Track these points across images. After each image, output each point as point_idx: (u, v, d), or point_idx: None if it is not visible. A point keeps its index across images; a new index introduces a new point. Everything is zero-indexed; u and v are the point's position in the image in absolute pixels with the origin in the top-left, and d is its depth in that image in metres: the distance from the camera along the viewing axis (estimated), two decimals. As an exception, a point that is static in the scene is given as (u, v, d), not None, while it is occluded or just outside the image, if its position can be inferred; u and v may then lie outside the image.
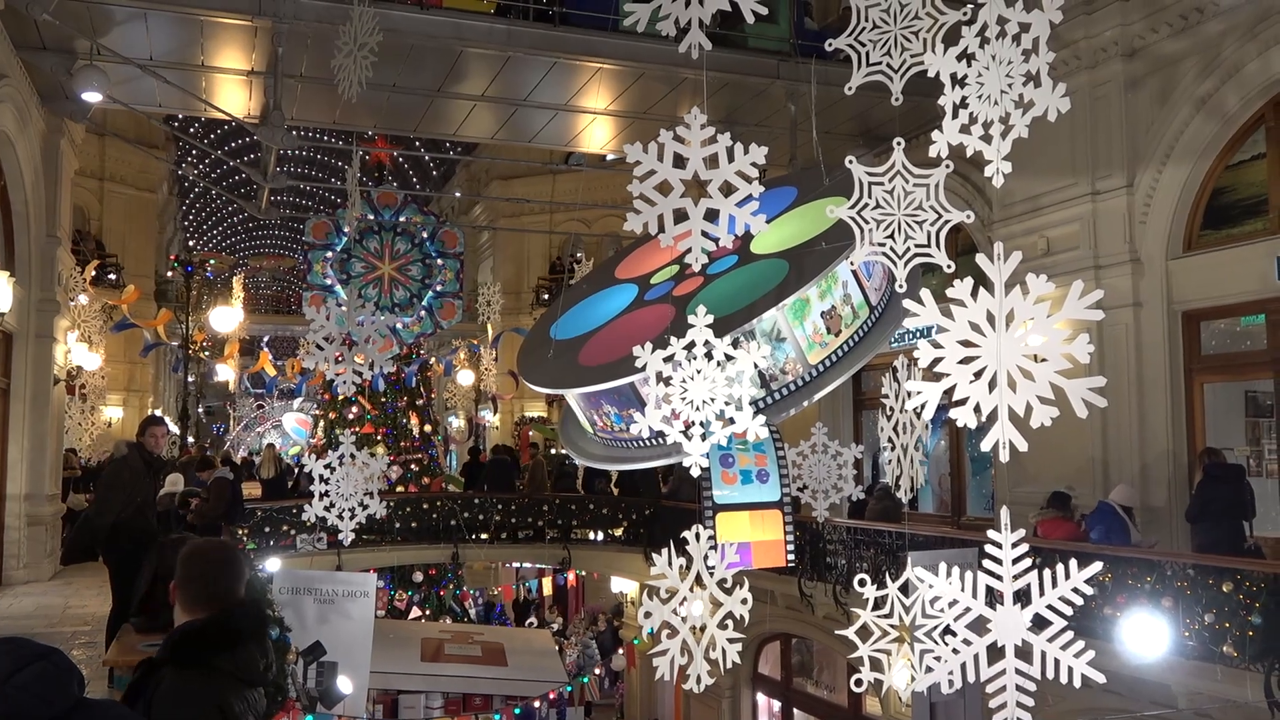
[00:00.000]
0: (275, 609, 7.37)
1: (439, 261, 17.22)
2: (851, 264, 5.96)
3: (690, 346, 4.34)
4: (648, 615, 4.52)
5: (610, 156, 18.51)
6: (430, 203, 31.55)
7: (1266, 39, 10.86)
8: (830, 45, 4.27)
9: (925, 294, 3.21)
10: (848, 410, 17.61)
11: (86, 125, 15.49)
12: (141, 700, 2.86)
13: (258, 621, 3.13)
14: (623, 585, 20.61)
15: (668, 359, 4.29)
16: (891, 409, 5.49)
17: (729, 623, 4.63)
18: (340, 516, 7.62)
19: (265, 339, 45.18)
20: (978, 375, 3.15)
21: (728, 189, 3.89)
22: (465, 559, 18.30)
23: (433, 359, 24.36)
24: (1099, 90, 12.53)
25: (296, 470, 19.49)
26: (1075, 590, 3.14)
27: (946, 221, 3.98)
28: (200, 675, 2.87)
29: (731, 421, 4.44)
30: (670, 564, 4.48)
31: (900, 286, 3.95)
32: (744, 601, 4.61)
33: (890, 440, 5.48)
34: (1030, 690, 3.17)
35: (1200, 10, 11.45)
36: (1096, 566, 3.18)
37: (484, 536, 17.76)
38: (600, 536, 18.41)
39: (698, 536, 4.58)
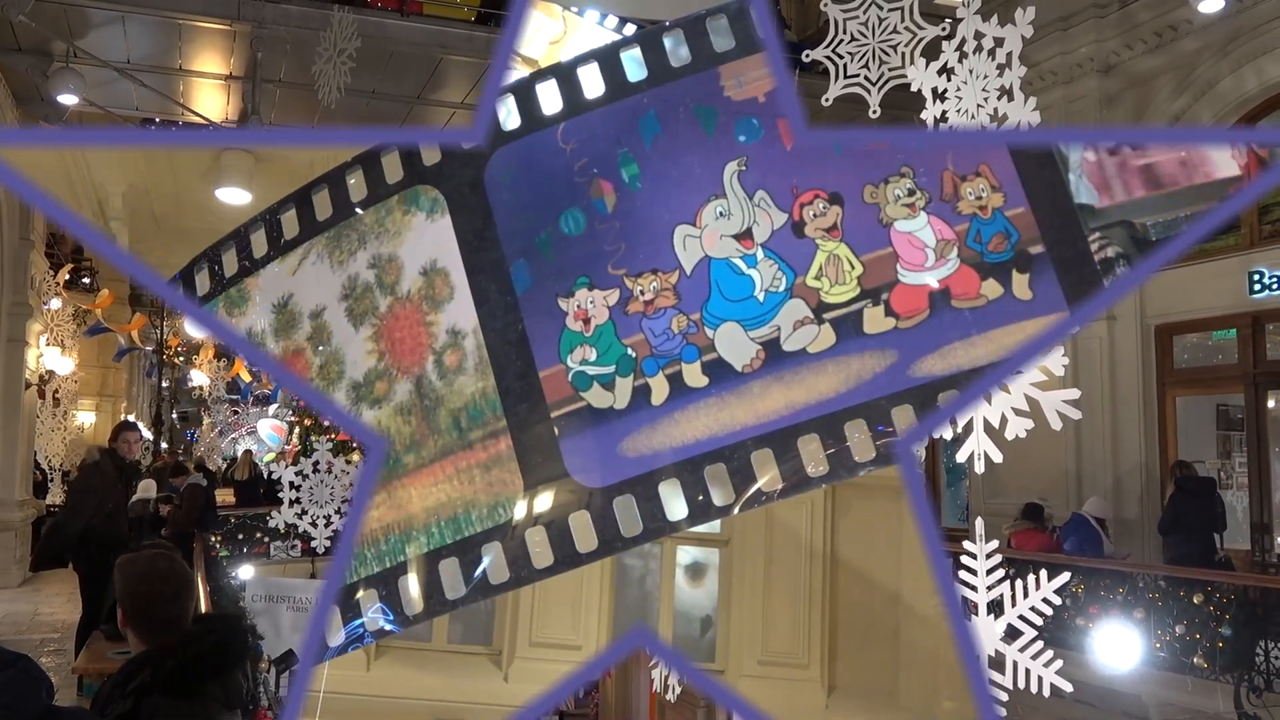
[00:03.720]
0: (257, 628, 7.31)
1: (417, 268, 17.14)
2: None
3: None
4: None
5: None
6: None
7: (1238, 57, 11.01)
8: (808, 56, 4.29)
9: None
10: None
11: (62, 128, 15.35)
12: None
13: (246, 645, 3.10)
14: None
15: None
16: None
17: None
18: (314, 523, 7.55)
19: (241, 344, 44.85)
20: (953, 386, 3.16)
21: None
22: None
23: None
24: (1074, 105, 12.64)
25: (269, 476, 19.30)
26: (1045, 600, 3.16)
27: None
28: (191, 703, 2.83)
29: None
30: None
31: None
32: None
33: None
34: (1003, 700, 3.19)
35: (1174, 28, 11.58)
36: (1065, 577, 3.19)
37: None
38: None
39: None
